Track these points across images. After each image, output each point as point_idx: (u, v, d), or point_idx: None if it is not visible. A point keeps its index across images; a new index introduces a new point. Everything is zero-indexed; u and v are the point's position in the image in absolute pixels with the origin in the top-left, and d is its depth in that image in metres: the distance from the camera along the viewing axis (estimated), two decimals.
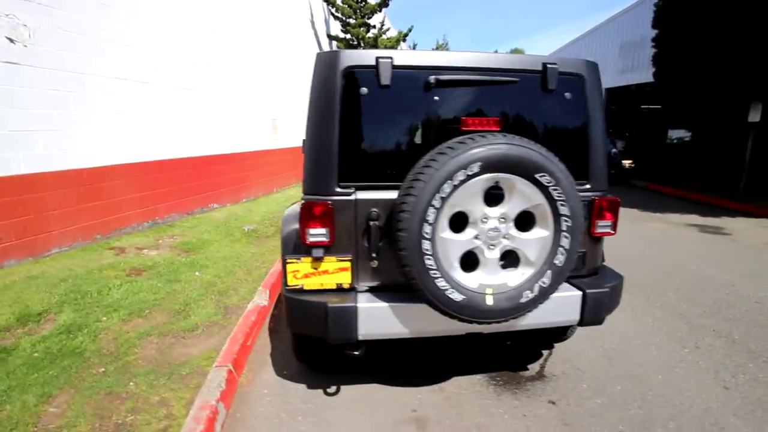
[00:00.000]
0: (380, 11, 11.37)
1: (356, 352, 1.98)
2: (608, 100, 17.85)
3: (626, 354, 2.83)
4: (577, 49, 21.73)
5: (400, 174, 1.90)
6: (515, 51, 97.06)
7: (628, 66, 17.84)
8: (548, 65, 1.97)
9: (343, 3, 11.13)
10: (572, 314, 2.04)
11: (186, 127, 6.49)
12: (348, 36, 11.72)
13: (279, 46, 9.54)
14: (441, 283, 1.69)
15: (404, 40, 11.49)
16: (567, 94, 2.02)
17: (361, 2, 11.14)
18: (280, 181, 9.77)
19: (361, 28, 11.22)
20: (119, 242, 4.98)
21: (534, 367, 2.68)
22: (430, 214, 1.62)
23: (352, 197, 1.92)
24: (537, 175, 1.67)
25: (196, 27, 6.74)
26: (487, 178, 1.65)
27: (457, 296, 1.71)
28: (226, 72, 7.55)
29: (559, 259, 1.76)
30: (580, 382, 2.52)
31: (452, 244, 1.70)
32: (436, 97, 1.93)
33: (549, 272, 1.77)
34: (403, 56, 1.89)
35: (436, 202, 1.61)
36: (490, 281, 1.76)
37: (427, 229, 1.63)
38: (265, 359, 2.77)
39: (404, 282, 1.97)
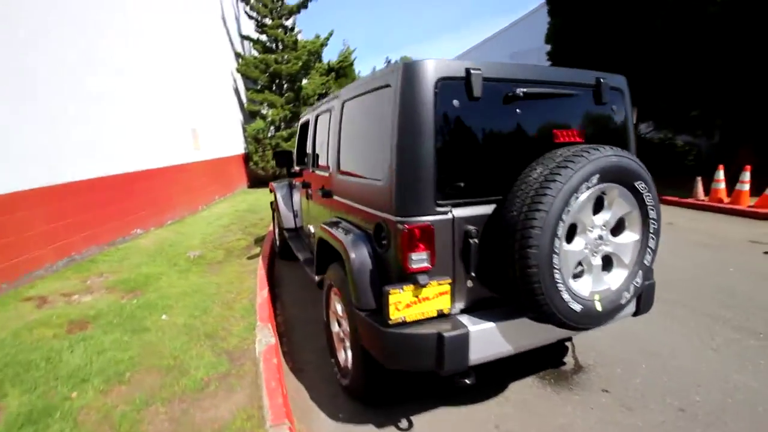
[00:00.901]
0: (298, 12, 10.96)
1: (467, 381, 1.86)
2: None
3: (630, 334, 3.17)
4: (472, 57, 23.91)
5: (494, 188, 1.86)
6: (404, 58, 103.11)
7: None
8: (601, 80, 2.11)
9: (257, 1, 10.43)
10: (631, 307, 2.21)
11: (95, 139, 5.39)
12: (264, 37, 11.03)
13: (192, 47, 8.54)
14: (565, 296, 1.68)
15: (326, 45, 11.27)
16: (614, 107, 2.19)
17: (277, 1, 10.57)
18: (205, 196, 8.76)
19: (279, 30, 10.65)
20: (35, 290, 3.91)
21: (569, 361, 2.84)
22: (560, 228, 1.60)
23: (449, 215, 1.81)
24: (636, 183, 1.77)
25: (106, 22, 5.65)
26: (599, 188, 1.71)
27: (576, 306, 1.72)
28: (138, 76, 6.49)
29: (648, 259, 1.90)
30: (614, 367, 2.75)
31: (570, 255, 1.71)
32: (518, 110, 1.92)
33: (640, 272, 1.90)
34: (489, 68, 1.84)
35: (565, 216, 1.60)
36: (596, 287, 1.82)
37: (557, 243, 1.61)
38: (307, 405, 2.45)
39: (490, 298, 1.93)
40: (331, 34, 11.20)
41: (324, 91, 12.56)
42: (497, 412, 2.31)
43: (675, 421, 2.20)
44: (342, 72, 17.74)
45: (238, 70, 10.76)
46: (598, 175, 1.66)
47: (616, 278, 1.88)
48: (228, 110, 10.46)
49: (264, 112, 11.11)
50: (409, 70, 1.77)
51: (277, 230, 5.50)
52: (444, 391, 2.46)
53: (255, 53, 11.18)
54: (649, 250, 1.89)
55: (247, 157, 11.38)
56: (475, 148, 1.87)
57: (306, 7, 10.77)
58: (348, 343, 2.45)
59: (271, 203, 5.71)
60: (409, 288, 1.76)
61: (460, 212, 1.83)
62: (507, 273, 1.75)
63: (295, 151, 4.32)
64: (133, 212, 6.15)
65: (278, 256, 5.32)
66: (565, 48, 10.09)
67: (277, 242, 5.44)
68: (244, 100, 11.39)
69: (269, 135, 10.92)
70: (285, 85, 10.94)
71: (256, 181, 11.88)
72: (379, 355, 1.87)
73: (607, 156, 1.68)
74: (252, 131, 10.71)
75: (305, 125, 4.29)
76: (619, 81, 2.25)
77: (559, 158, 1.68)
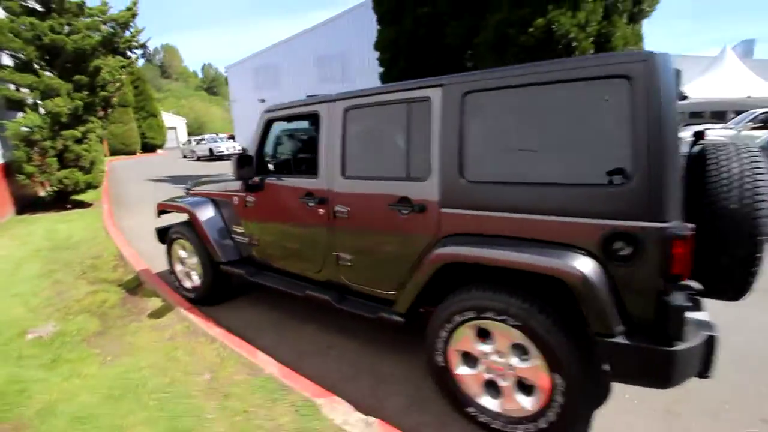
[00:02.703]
0: None
1: (709, 375, 1.88)
2: None
3: None
4: (274, 56, 22.87)
5: None
6: (167, 47, 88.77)
7: (327, 77, 20.65)
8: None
9: None
10: None
11: None
12: None
13: None
14: None
15: (137, 15, 8.35)
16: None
17: None
18: None
19: None
20: None
21: None
22: None
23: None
24: None
25: None
26: None
27: None
28: None
29: None
30: None
31: None
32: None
33: None
34: None
35: None
36: None
37: None
38: None
39: None
40: (135, 3, 8.48)
41: (121, 76, 9.59)
42: (659, 397, 2.34)
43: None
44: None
45: None
46: None
47: None
48: None
49: (37, 101, 7.50)
50: (663, 62, 1.63)
51: (181, 267, 3.93)
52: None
53: (3, 14, 7.36)
54: None
55: (8, 169, 7.51)
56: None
57: None
58: (509, 382, 2.05)
59: (167, 230, 4.01)
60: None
61: None
62: (718, 262, 1.85)
63: (254, 156, 3.18)
64: None
65: (193, 302, 3.81)
66: (398, 56, 11.07)
67: (189, 284, 3.89)
68: None
69: (50, 135, 7.51)
70: (70, 66, 7.67)
71: (32, 204, 8.07)
72: (661, 379, 1.71)
73: None
74: (18, 130, 7.11)
75: (285, 121, 3.24)
76: None
77: (746, 153, 1.88)
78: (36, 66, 7.55)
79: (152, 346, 3.08)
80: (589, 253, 1.78)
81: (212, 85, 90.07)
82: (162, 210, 4.06)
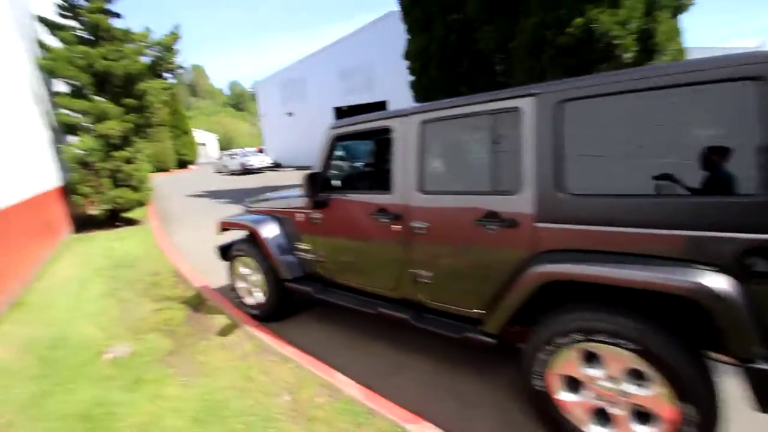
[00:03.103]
0: None
1: None
2: (337, 118, 20.35)
3: None
4: (300, 71, 23.34)
5: None
6: (195, 67, 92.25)
7: (352, 88, 20.88)
8: None
9: None
10: None
11: None
12: (75, 23, 7.78)
13: None
14: None
15: (179, 38, 8.71)
16: None
17: None
18: (34, 257, 5.57)
19: (100, 14, 7.70)
20: None
21: None
22: None
23: None
24: None
25: None
26: None
27: None
28: None
29: None
30: None
31: None
32: None
33: None
34: None
35: None
36: None
37: None
38: None
39: None
40: (178, 27, 8.83)
41: (165, 97, 9.94)
42: None
43: None
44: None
45: (43, 67, 7.26)
46: None
47: None
48: (28, 123, 6.95)
49: (90, 125, 7.87)
50: None
51: (243, 284, 3.96)
52: None
53: (59, 44, 7.80)
54: None
55: (65, 191, 7.89)
56: None
57: None
58: (624, 410, 1.90)
59: (228, 247, 4.05)
60: None
61: None
62: None
63: (320, 173, 3.16)
64: None
65: (257, 318, 3.82)
66: (428, 64, 11.04)
67: (251, 301, 3.91)
68: (45, 106, 7.81)
69: (103, 158, 7.85)
70: (119, 90, 8.04)
71: (85, 223, 8.44)
72: None
73: None
74: (74, 153, 7.47)
75: (351, 137, 3.23)
76: None
77: None
78: (87, 91, 7.92)
79: (226, 365, 3.09)
80: (721, 269, 1.63)
81: (238, 101, 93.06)
82: (225, 228, 4.12)
